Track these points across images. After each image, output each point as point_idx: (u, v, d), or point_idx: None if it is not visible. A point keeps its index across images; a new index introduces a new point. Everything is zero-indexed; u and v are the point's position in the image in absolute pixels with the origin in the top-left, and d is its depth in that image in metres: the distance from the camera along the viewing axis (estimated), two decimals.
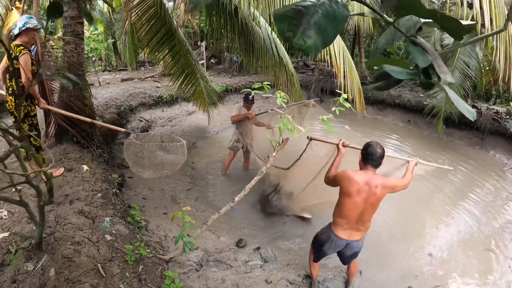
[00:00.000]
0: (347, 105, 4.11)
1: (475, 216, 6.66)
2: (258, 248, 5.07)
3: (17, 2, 10.89)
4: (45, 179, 2.72)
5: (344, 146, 4.01)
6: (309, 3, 0.81)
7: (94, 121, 5.39)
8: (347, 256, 3.96)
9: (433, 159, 9.10)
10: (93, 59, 13.91)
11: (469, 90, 9.89)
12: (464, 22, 0.98)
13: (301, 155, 4.86)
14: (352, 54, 15.63)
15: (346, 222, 3.60)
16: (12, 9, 10.80)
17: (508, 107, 10.92)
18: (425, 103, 11.32)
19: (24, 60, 4.08)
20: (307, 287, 4.38)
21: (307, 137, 4.51)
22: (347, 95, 4.27)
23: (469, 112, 1.08)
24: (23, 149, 3.61)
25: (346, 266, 4.39)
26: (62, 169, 4.89)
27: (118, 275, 3.18)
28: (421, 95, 12.49)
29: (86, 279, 3.02)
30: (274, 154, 4.23)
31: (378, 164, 3.47)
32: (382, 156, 3.44)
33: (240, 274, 4.47)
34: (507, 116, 10.53)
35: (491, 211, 6.91)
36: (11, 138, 2.36)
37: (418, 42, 1.04)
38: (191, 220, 3.34)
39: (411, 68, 1.09)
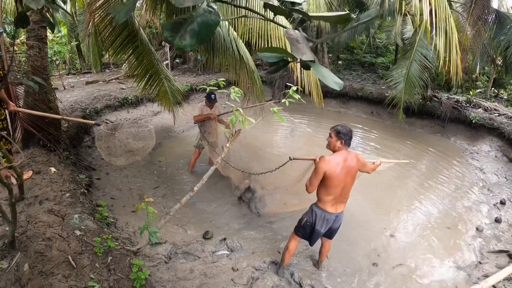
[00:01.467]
0: (297, 96, 4.39)
1: (437, 199, 7.07)
2: (224, 239, 5.29)
3: None
4: (16, 176, 2.89)
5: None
6: (188, 15, 1.11)
7: (65, 117, 5.50)
8: (334, 229, 4.35)
9: (397, 148, 9.61)
10: (57, 62, 13.77)
11: (427, 81, 10.23)
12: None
13: (276, 169, 5.12)
14: (315, 50, 15.98)
15: (332, 198, 3.99)
16: None
17: (468, 96, 11.39)
18: (386, 94, 11.62)
19: None
20: (273, 272, 4.64)
21: (289, 158, 4.69)
22: (297, 87, 4.54)
23: (336, 84, 1.35)
24: None
25: (321, 246, 4.73)
26: (30, 172, 4.99)
27: (88, 266, 3.37)
28: (382, 87, 12.84)
29: (58, 271, 3.19)
30: (228, 145, 4.48)
31: (349, 143, 3.91)
32: (351, 135, 3.91)
33: (207, 264, 4.70)
34: (467, 105, 10.98)
35: (452, 195, 7.33)
36: None
37: (289, 34, 1.32)
38: (154, 211, 3.56)
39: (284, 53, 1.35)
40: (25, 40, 10.58)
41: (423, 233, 5.98)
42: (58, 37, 14.71)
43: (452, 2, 10.27)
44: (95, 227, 4.14)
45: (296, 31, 1.35)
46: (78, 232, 3.86)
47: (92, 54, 13.25)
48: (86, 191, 5.43)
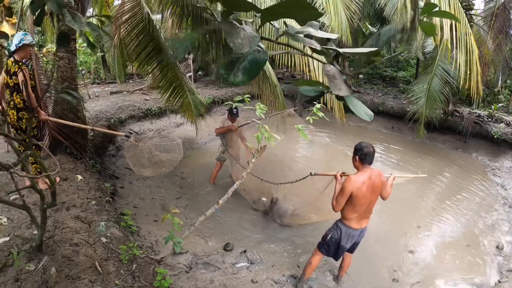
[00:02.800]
0: (320, 114, 4.43)
1: (457, 216, 6.97)
2: (245, 251, 5.32)
3: (7, 17, 11.03)
4: (49, 184, 3.00)
5: (341, 176, 4.38)
6: (241, 54, 1.19)
7: (95, 128, 5.66)
8: (357, 243, 4.41)
9: (417, 163, 9.47)
10: (83, 72, 14.08)
11: (449, 95, 10.17)
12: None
13: (297, 181, 5.23)
14: (337, 62, 16.00)
15: (357, 215, 4.06)
16: (1, 21, 10.93)
17: (490, 110, 11.21)
18: (407, 109, 11.58)
19: (24, 76, 4.34)
20: (291, 285, 4.66)
21: (310, 173, 4.86)
22: (321, 105, 4.58)
23: (367, 115, 1.43)
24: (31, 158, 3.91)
25: (341, 260, 4.73)
26: (58, 179, 5.13)
27: (113, 273, 3.46)
28: (403, 102, 12.74)
29: (85, 275, 3.28)
30: (253, 160, 4.54)
31: (372, 161, 3.96)
32: (374, 153, 3.95)
33: (227, 275, 4.72)
34: (489, 119, 10.81)
35: (473, 211, 7.21)
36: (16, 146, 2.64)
37: (327, 70, 1.39)
38: (180, 221, 3.63)
39: (321, 86, 1.43)
40: (51, 50, 10.90)
41: (443, 250, 5.91)
42: (83, 47, 15.07)
43: (472, 16, 10.21)
44: (120, 235, 4.24)
45: (332, 66, 1.42)
46: (104, 239, 3.95)
47: (117, 65, 13.54)
48: (110, 199, 5.55)
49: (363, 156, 3.91)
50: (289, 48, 1.47)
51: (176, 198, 7.05)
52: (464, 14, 6.11)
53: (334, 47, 1.49)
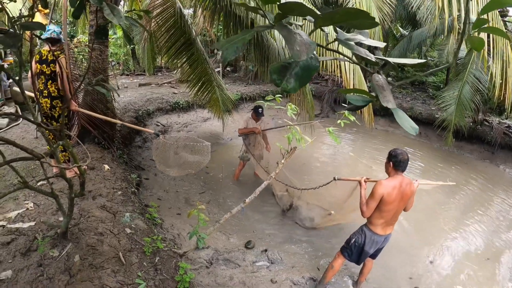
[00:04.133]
0: (352, 118, 4.37)
1: (480, 229, 6.77)
2: (266, 250, 5.30)
3: (39, 6, 11.28)
4: (79, 174, 3.03)
5: (365, 181, 4.35)
6: (292, 60, 1.16)
7: (125, 122, 5.73)
8: (380, 249, 4.38)
9: (443, 172, 9.23)
10: (113, 63, 14.30)
11: (479, 104, 9.89)
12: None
13: (320, 186, 5.22)
14: (366, 66, 15.83)
15: (384, 221, 4.03)
16: (36, 10, 11.16)
17: None
18: (436, 116, 11.35)
19: (63, 63, 4.41)
20: None
21: (333, 178, 4.86)
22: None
23: (413, 129, 1.39)
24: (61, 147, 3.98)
25: (362, 266, 4.68)
26: (85, 167, 5.21)
27: (136, 264, 3.48)
28: (432, 108, 12.48)
29: (108, 265, 3.31)
30: (282, 161, 4.51)
31: (405, 168, 3.91)
32: (408, 160, 3.90)
33: (247, 273, 4.72)
34: None
35: (496, 225, 7.01)
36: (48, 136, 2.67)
37: (376, 80, 1.35)
38: (205, 218, 3.64)
39: (372, 95, 1.39)
40: (82, 40, 11.07)
41: (463, 262, 5.78)
42: (113, 39, 15.28)
43: (507, 23, 9.89)
44: (144, 227, 4.27)
45: (380, 76, 1.38)
46: (128, 230, 3.99)
47: (146, 58, 13.72)
48: (136, 190, 5.60)
49: (397, 163, 3.87)
50: (337, 54, 1.43)
51: (200, 192, 7.09)
52: (502, 23, 5.93)
53: (382, 56, 1.46)
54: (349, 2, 8.01)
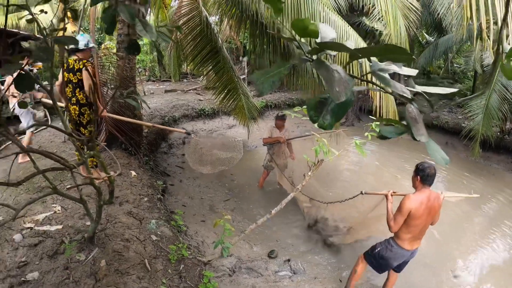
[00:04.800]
0: (378, 130, 4.33)
1: (505, 244, 6.54)
2: (289, 260, 5.27)
3: (72, 19, 11.58)
4: (108, 182, 3.10)
5: (391, 195, 4.32)
6: (328, 95, 1.17)
7: (156, 125, 5.82)
8: (406, 262, 4.32)
9: (469, 183, 9.00)
10: (139, 70, 14.56)
11: (507, 113, 9.64)
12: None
13: (346, 200, 5.19)
14: (393, 73, 15.70)
15: (411, 236, 3.97)
16: (59, 17, 11.48)
17: None
18: (463, 125, 11.11)
19: (87, 74, 4.52)
20: None
21: (361, 192, 4.83)
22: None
23: (444, 160, 1.38)
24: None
25: (386, 279, 4.62)
26: (112, 173, 5.30)
27: (161, 271, 3.53)
28: (459, 117, 12.21)
29: (133, 271, 3.37)
30: (309, 173, 4.51)
31: (433, 182, 3.86)
32: (435, 174, 3.84)
33: (269, 282, 4.69)
34: None
35: None
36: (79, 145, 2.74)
37: (409, 112, 1.35)
38: (231, 228, 3.66)
39: (405, 125, 1.39)
40: (109, 46, 11.30)
41: (487, 277, 5.60)
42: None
43: None
44: (170, 234, 4.32)
45: (413, 107, 1.38)
46: (154, 237, 4.04)
47: (172, 64, 13.91)
48: (161, 196, 5.67)
49: (425, 177, 3.82)
50: (372, 85, 1.45)
51: (224, 200, 7.12)
52: None
53: (413, 86, 1.46)
54: (374, 9, 7.96)
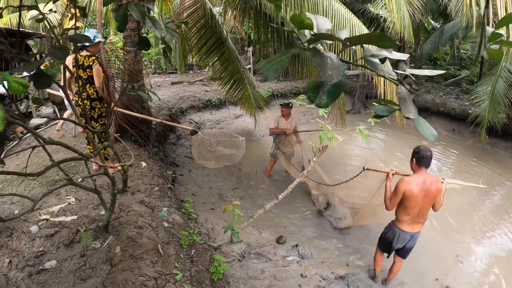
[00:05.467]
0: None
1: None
2: (297, 245, 5.40)
3: (72, 9, 11.70)
4: (121, 171, 3.24)
5: (393, 174, 4.46)
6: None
7: (164, 121, 5.96)
8: (408, 248, 4.42)
9: (476, 170, 9.01)
10: (145, 63, 14.65)
11: None
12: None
13: (351, 179, 5.29)
14: (397, 60, 15.62)
15: (409, 218, 4.11)
16: (68, 15, 11.64)
17: None
18: (469, 111, 11.07)
19: (98, 70, 4.64)
20: (339, 284, 4.68)
21: (363, 168, 4.94)
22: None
23: (432, 135, 1.50)
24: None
25: (392, 264, 4.75)
26: (127, 165, 5.45)
27: (173, 256, 3.68)
28: (466, 103, 12.14)
29: (147, 256, 3.52)
30: (314, 159, 4.62)
31: (429, 165, 3.98)
32: (431, 157, 3.97)
33: (278, 267, 4.84)
34: None
35: None
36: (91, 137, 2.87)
37: (398, 93, 1.47)
38: (240, 213, 3.80)
39: (396, 104, 1.51)
40: (114, 40, 11.41)
41: (493, 263, 5.68)
42: None
43: None
44: (181, 221, 4.47)
45: (403, 88, 1.50)
46: (166, 224, 4.20)
47: (178, 56, 13.96)
48: (172, 186, 5.83)
49: (419, 159, 3.95)
50: (365, 69, 1.57)
51: (233, 188, 7.27)
52: None
53: (404, 69, 1.57)
54: None
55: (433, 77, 15.72)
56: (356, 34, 5.35)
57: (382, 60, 1.52)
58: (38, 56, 2.01)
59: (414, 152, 4.04)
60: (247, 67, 11.90)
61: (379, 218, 5.37)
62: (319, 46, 1.51)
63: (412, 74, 1.60)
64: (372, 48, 1.55)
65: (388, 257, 4.65)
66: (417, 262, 5.33)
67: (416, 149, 4.02)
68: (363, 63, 1.56)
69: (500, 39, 1.37)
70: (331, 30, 1.51)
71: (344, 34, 1.46)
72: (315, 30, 1.49)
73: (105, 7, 12.37)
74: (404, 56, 1.62)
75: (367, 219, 5.74)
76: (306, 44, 1.48)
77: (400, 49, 15.66)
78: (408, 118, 1.47)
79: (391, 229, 4.32)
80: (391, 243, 4.35)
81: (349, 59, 5.25)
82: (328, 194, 6.49)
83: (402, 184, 3.93)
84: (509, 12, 4.94)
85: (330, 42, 1.60)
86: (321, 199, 6.67)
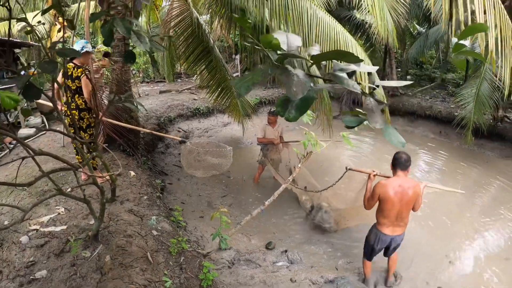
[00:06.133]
0: (366, 122, 4.49)
1: (501, 229, 6.65)
2: (286, 251, 5.46)
3: (60, 18, 11.70)
4: (107, 179, 3.29)
5: (374, 175, 4.61)
6: None
7: (152, 131, 6.01)
8: (391, 249, 4.56)
9: (463, 172, 9.12)
10: (133, 72, 14.65)
11: (498, 100, 9.75)
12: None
13: (336, 182, 5.39)
14: (383, 65, 15.77)
15: (388, 221, 4.22)
16: (55, 24, 11.64)
17: None
18: (455, 114, 11.21)
19: (86, 80, 4.68)
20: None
21: (346, 168, 5.06)
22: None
23: (400, 143, 1.58)
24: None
25: (387, 262, 4.87)
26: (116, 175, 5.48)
27: (163, 263, 3.72)
28: (452, 106, 12.30)
29: (137, 264, 3.56)
30: (299, 165, 4.71)
31: (405, 167, 4.09)
32: (406, 160, 4.08)
33: (267, 272, 4.89)
34: None
35: None
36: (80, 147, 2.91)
37: (366, 104, 1.56)
38: (227, 220, 3.86)
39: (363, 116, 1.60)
40: (102, 49, 11.45)
41: (482, 262, 5.74)
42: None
43: None
44: (170, 229, 4.52)
45: (371, 99, 1.58)
46: (155, 232, 4.24)
47: (166, 65, 14.01)
48: (161, 194, 5.86)
49: (395, 162, 4.11)
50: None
51: (221, 196, 7.31)
52: (510, 22, 5.84)
53: (373, 81, 1.66)
54: (362, 4, 8.11)
55: (421, 81, 15.98)
56: (340, 41, 5.48)
57: (351, 73, 1.60)
58: (26, 66, 2.06)
59: (393, 157, 4.18)
60: (234, 75, 12.00)
61: (363, 218, 5.47)
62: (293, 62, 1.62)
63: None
64: (341, 63, 1.62)
65: (369, 260, 4.71)
66: (408, 264, 5.40)
67: (395, 154, 4.16)
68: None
69: (463, 50, 1.46)
70: (308, 43, 1.60)
71: (314, 51, 1.55)
72: (285, 47, 1.58)
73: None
74: (372, 69, 1.71)
75: (354, 220, 5.82)
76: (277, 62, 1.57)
77: (385, 54, 15.92)
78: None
79: (373, 232, 4.44)
80: (372, 246, 4.46)
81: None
82: (314, 198, 6.56)
83: (378, 187, 4.10)
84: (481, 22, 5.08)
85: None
86: (308, 204, 6.74)
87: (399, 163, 4.06)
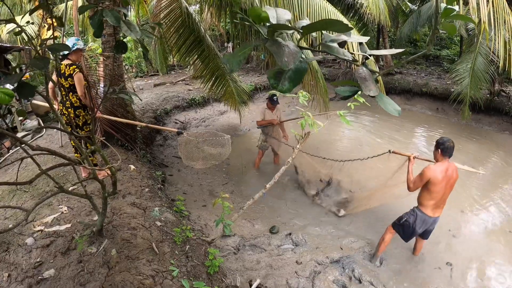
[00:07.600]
0: (361, 100, 4.50)
1: (502, 202, 6.74)
2: (290, 234, 5.50)
3: (48, 19, 11.59)
4: (110, 174, 3.29)
5: (414, 158, 4.83)
6: None
7: (149, 124, 5.99)
8: (429, 231, 4.78)
9: (463, 147, 9.10)
10: (126, 67, 14.59)
11: (494, 75, 9.80)
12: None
13: (373, 157, 5.45)
14: (377, 44, 15.72)
15: (433, 203, 4.45)
16: (44, 26, 11.54)
17: None
18: (452, 90, 11.22)
19: (79, 78, 4.66)
20: (334, 268, 4.75)
21: (388, 151, 5.18)
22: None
23: (396, 111, 1.59)
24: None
25: (415, 242, 5.10)
26: (115, 167, 5.48)
27: (169, 253, 3.75)
28: (448, 82, 12.35)
29: (143, 256, 3.59)
30: (298, 146, 4.72)
31: (452, 154, 4.31)
32: (453, 147, 4.29)
33: (273, 256, 4.94)
34: None
35: None
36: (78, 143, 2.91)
37: (359, 73, 1.55)
38: (230, 205, 3.88)
39: (356, 86, 1.59)
40: (92, 48, 11.40)
41: (486, 235, 5.83)
42: None
43: None
44: (173, 219, 4.55)
45: (364, 68, 1.58)
46: (158, 223, 4.27)
47: (159, 58, 13.95)
48: (162, 186, 5.88)
49: (444, 150, 4.27)
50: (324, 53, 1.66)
51: (222, 184, 7.32)
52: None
53: (365, 51, 1.65)
54: None
55: (415, 59, 15.90)
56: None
57: (342, 44, 1.60)
58: (18, 70, 2.05)
59: (438, 143, 4.34)
60: None
61: (381, 200, 5.59)
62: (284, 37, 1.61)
63: (392, 56, 1.68)
64: (331, 34, 1.62)
65: (406, 241, 4.86)
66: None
67: (441, 140, 4.34)
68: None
69: (453, 14, 1.45)
70: (294, 20, 1.60)
71: (303, 23, 1.55)
72: (275, 21, 1.58)
73: (81, 15, 12.30)
74: (363, 39, 1.71)
75: (368, 204, 5.87)
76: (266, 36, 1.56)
77: (378, 33, 15.87)
78: (371, 96, 1.54)
79: (414, 214, 4.58)
80: (414, 229, 4.60)
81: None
82: (329, 175, 6.60)
83: (428, 171, 4.26)
84: None
85: (291, 31, 1.68)
86: (312, 185, 6.76)
87: (448, 150, 4.26)
